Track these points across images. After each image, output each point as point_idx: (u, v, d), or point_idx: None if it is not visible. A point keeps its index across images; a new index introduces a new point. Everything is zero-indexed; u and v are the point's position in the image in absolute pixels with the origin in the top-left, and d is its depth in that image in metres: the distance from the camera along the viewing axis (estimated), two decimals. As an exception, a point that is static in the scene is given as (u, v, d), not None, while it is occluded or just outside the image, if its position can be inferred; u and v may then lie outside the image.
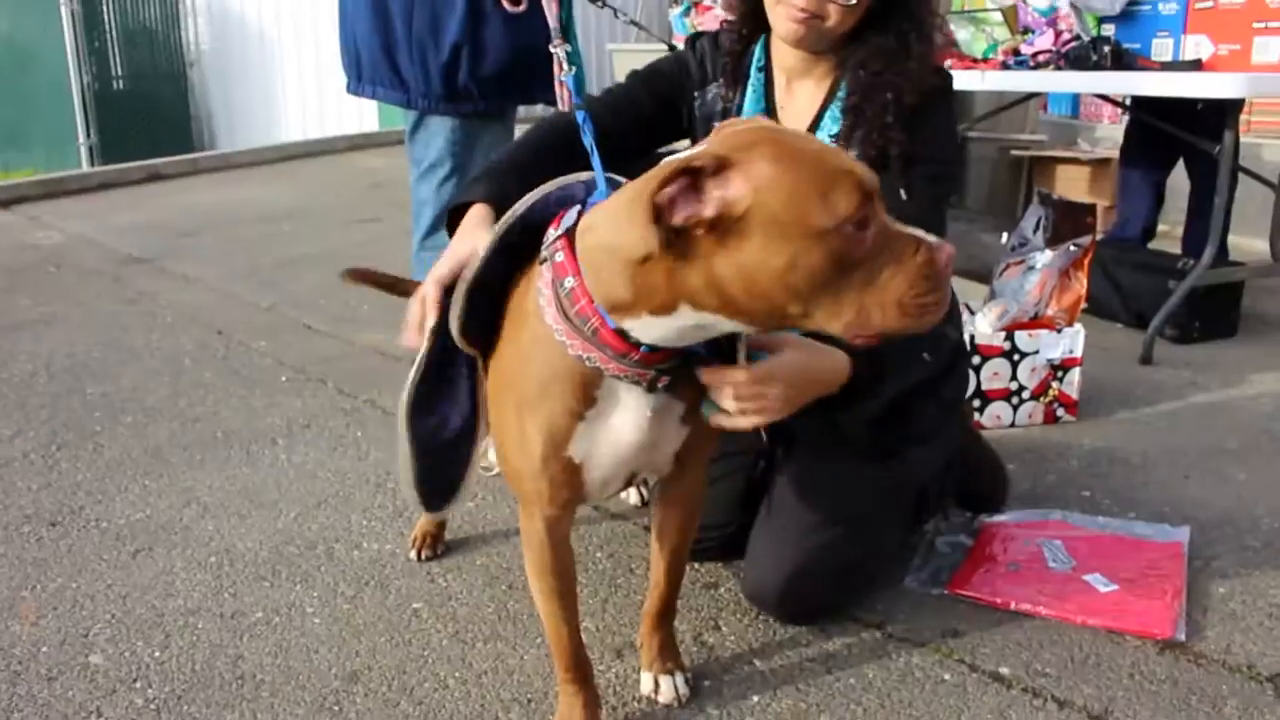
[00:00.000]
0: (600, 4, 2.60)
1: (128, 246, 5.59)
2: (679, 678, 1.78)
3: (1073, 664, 1.86)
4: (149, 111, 10.91)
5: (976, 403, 2.93)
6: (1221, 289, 3.76)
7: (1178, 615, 1.97)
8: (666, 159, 1.24)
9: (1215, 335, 3.78)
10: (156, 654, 1.91)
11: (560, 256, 1.36)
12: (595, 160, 1.55)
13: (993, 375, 2.91)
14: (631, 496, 2.50)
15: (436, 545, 2.27)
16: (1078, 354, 2.97)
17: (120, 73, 10.87)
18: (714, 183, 1.20)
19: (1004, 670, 1.85)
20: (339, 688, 1.81)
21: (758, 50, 1.95)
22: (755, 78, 1.96)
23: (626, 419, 1.45)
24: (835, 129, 1.86)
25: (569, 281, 1.35)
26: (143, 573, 2.20)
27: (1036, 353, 2.94)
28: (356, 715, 1.74)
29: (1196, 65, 3.52)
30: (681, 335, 1.34)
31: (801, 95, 1.92)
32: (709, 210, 1.19)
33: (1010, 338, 2.91)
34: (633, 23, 2.53)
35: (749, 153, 1.21)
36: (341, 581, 2.17)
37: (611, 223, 1.31)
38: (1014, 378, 2.94)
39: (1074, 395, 3.00)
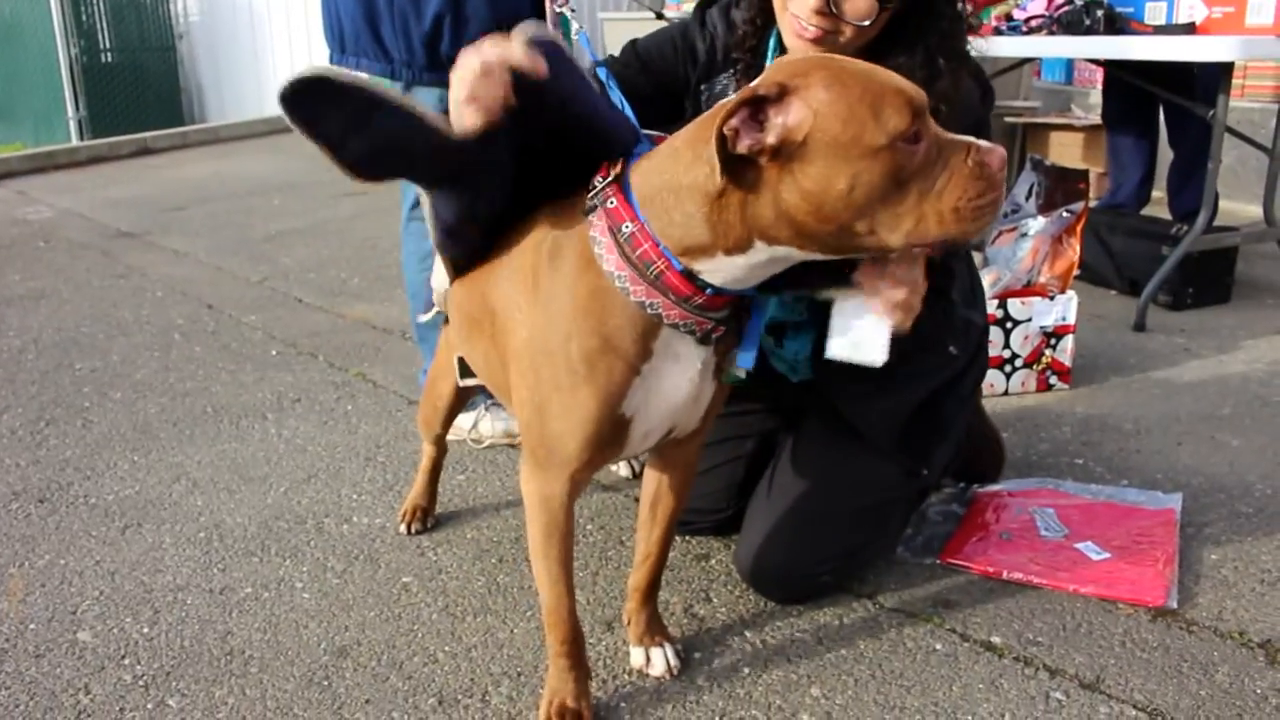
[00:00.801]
0: None
1: (117, 221, 5.56)
2: (669, 650, 1.78)
3: (1064, 632, 1.86)
4: (138, 85, 10.80)
5: (969, 371, 2.91)
6: (1215, 255, 3.74)
7: (1170, 583, 1.97)
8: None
9: (1209, 301, 3.76)
10: (145, 630, 1.91)
11: (614, 202, 1.38)
12: (629, 112, 1.57)
13: (986, 343, 2.90)
14: (622, 469, 2.49)
15: (426, 518, 2.26)
16: (1071, 321, 2.96)
17: (109, 46, 10.75)
18: (775, 110, 1.23)
19: (996, 639, 1.84)
20: (328, 662, 1.81)
21: (771, 40, 1.85)
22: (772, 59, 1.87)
23: (680, 371, 1.45)
24: None
25: (627, 226, 1.36)
26: (131, 549, 2.19)
27: (1029, 320, 2.92)
28: (345, 690, 1.73)
29: (1190, 29, 3.48)
30: (752, 273, 1.36)
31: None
32: (772, 137, 1.23)
33: (1003, 305, 2.90)
34: None
35: (806, 79, 1.24)
36: (331, 556, 2.16)
37: (676, 162, 1.33)
38: (1007, 345, 2.92)
39: (1067, 363, 2.99)
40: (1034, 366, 2.96)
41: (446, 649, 1.84)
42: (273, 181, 6.62)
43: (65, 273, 4.55)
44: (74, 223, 5.61)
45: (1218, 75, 3.39)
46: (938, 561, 2.08)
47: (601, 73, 1.69)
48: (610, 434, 1.47)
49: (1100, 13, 3.69)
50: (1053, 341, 2.96)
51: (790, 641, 1.85)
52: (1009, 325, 2.91)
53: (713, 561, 2.11)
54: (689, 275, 1.35)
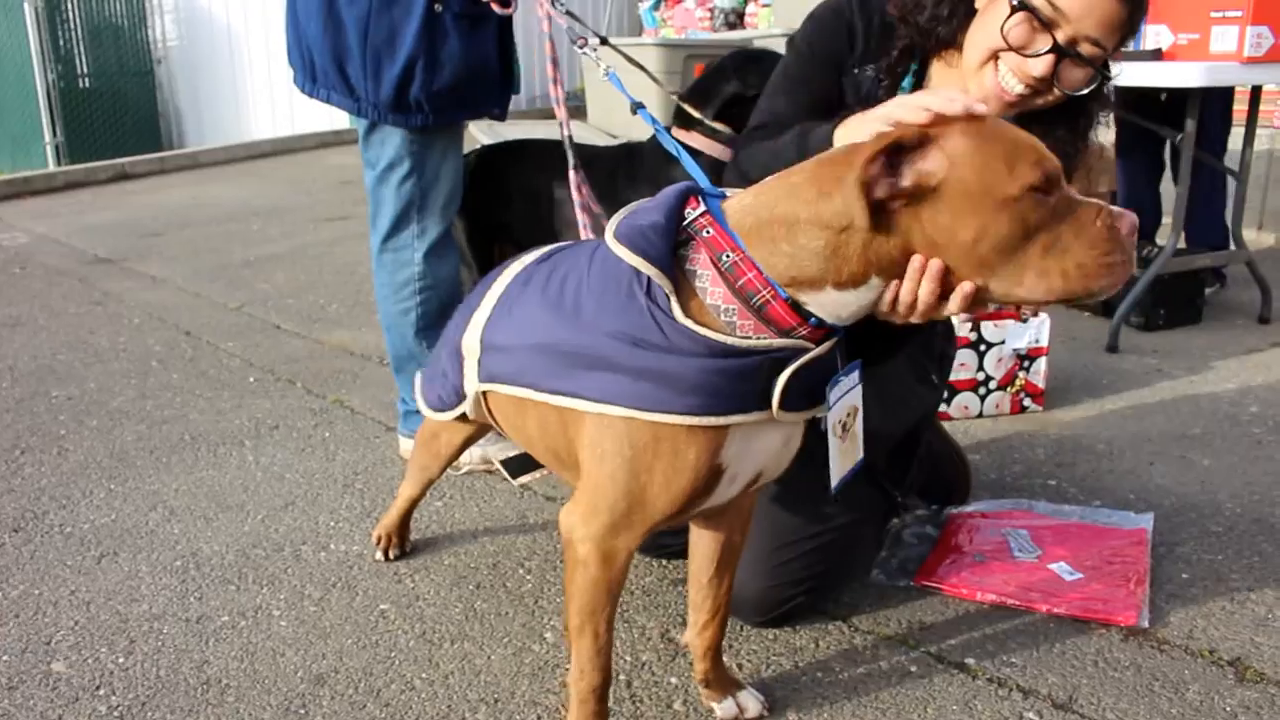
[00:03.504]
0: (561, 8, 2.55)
1: (95, 247, 5.54)
2: (750, 690, 1.75)
3: (1038, 653, 1.88)
4: (116, 110, 10.81)
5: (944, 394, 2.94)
6: (1185, 276, 3.79)
7: (1141, 602, 1.99)
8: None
9: (1180, 322, 3.81)
10: (120, 660, 1.90)
11: (710, 232, 1.36)
12: (689, 162, 1.61)
13: (960, 366, 2.93)
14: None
15: (403, 544, 2.26)
16: (1044, 343, 2.99)
17: (86, 71, 10.76)
18: (913, 156, 1.26)
19: (969, 661, 1.86)
20: (305, 691, 1.80)
21: (909, 78, 1.90)
22: (907, 86, 1.90)
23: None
24: None
25: (728, 255, 1.34)
26: (107, 578, 2.19)
27: (1003, 343, 2.95)
28: (323, 718, 1.73)
29: (1157, 55, 3.54)
30: (861, 308, 1.35)
31: None
32: (907, 182, 1.26)
33: (976, 328, 2.93)
34: (602, 40, 2.49)
35: (945, 128, 1.28)
36: (308, 584, 2.16)
37: (793, 197, 1.33)
38: (981, 368, 2.95)
39: (1040, 385, 3.02)
40: (1008, 389, 2.99)
41: (424, 676, 1.84)
42: (252, 207, 6.62)
43: (41, 299, 4.54)
44: (50, 249, 5.59)
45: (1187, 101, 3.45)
46: (912, 583, 2.10)
47: (645, 116, 1.71)
48: (705, 484, 1.41)
49: (1070, 38, 3.74)
50: (1026, 364, 2.99)
51: (766, 664, 1.86)
52: (982, 348, 2.94)
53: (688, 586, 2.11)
54: (794, 305, 1.33)
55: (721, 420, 1.35)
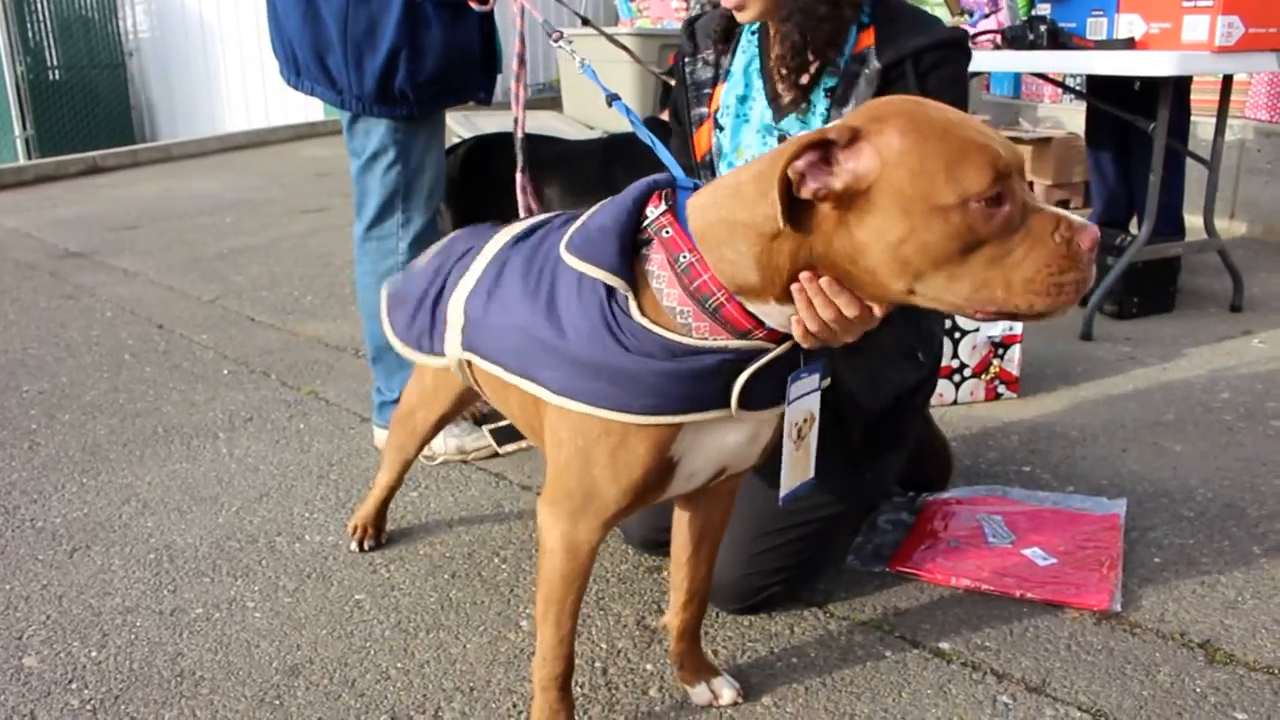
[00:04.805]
0: None
1: (66, 241, 5.49)
2: (726, 677, 1.75)
3: (1012, 637, 1.89)
4: (87, 102, 10.71)
5: (919, 381, 2.95)
6: (1159, 265, 3.81)
7: (1114, 587, 2.01)
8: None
9: (1153, 310, 3.84)
10: (93, 654, 1.89)
11: (669, 232, 1.33)
12: (664, 153, 1.58)
13: (935, 354, 2.94)
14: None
15: (379, 535, 2.26)
16: (1018, 331, 3.00)
17: (56, 63, 10.65)
18: (845, 154, 1.18)
19: (944, 645, 1.87)
20: (280, 682, 1.80)
21: (752, 40, 1.95)
22: (748, 42, 1.96)
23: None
24: (833, 83, 1.87)
25: (685, 256, 1.31)
26: (79, 571, 2.17)
27: (977, 330, 2.97)
28: (298, 709, 1.72)
29: (1129, 44, 3.56)
30: None
31: None
32: (838, 183, 1.17)
33: (951, 316, 2.94)
34: (584, 20, 2.50)
35: (881, 124, 1.18)
36: (283, 575, 2.15)
37: (736, 197, 1.28)
38: (955, 355, 2.97)
39: (1015, 372, 3.03)
40: (982, 376, 3.01)
41: (399, 666, 1.84)
42: (225, 199, 6.57)
43: (11, 294, 4.49)
44: (21, 243, 5.53)
45: (1158, 90, 3.47)
46: (887, 569, 2.11)
47: (620, 106, 1.71)
48: (656, 478, 1.41)
49: (1044, 28, 3.76)
50: (1000, 351, 3.00)
51: (741, 651, 1.87)
52: (957, 335, 2.95)
53: (664, 574, 2.12)
54: (747, 309, 1.31)
55: (674, 419, 1.35)
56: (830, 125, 1.21)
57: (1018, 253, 1.16)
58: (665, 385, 1.32)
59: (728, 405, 1.34)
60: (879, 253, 1.17)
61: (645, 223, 1.36)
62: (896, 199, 1.15)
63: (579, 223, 1.42)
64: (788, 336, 1.33)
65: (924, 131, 1.16)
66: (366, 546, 2.23)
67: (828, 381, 1.46)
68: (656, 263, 1.33)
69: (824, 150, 1.18)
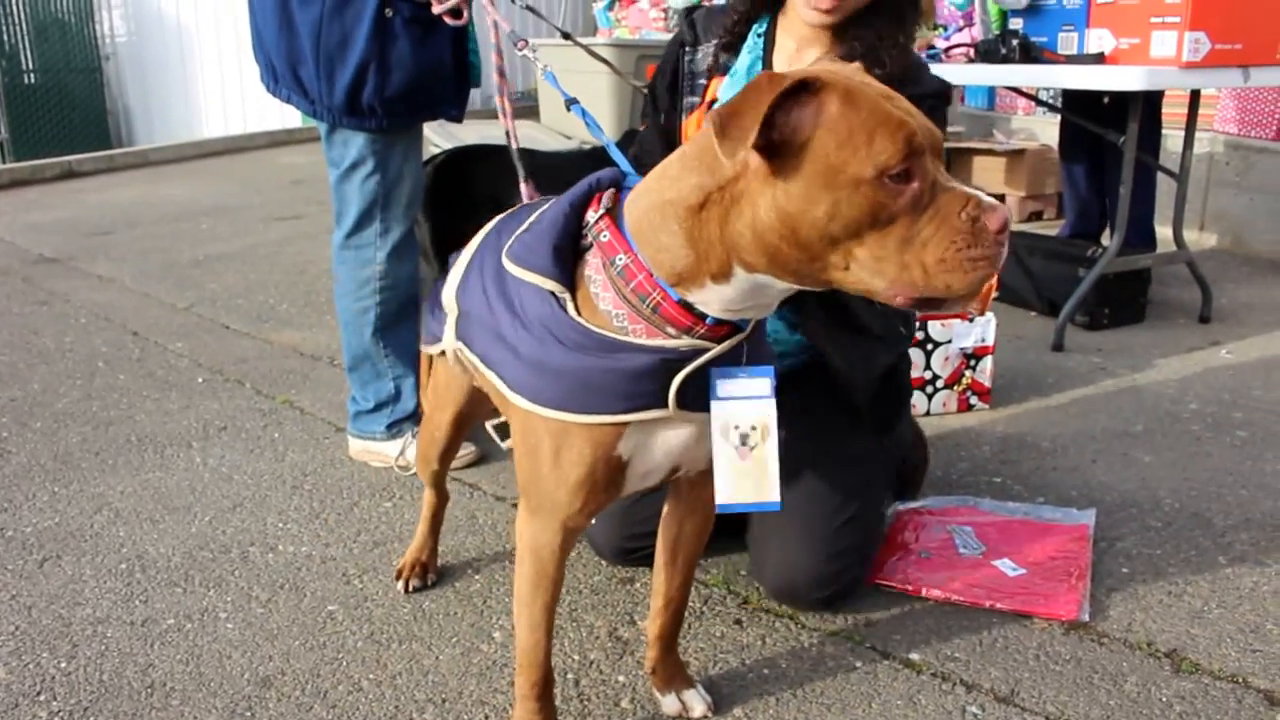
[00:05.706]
0: (522, 5, 2.57)
1: (40, 246, 5.45)
2: (699, 690, 1.76)
3: (981, 647, 1.91)
4: (63, 107, 10.62)
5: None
6: (1129, 276, 3.86)
7: (1082, 597, 2.03)
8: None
9: (1124, 321, 3.88)
10: (63, 665, 1.88)
11: (606, 236, 1.34)
12: (615, 151, 1.59)
13: (908, 365, 2.96)
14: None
15: (426, 574, 2.14)
16: (990, 342, 3.03)
17: (32, 66, 10.56)
18: (797, 104, 1.18)
19: (914, 656, 1.89)
20: (251, 693, 1.79)
21: (764, 22, 1.99)
22: (754, 42, 1.98)
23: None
24: None
25: (620, 259, 1.33)
26: (50, 581, 2.16)
27: (949, 342, 2.99)
28: (269, 721, 1.72)
29: (1099, 59, 3.60)
30: (743, 299, 1.31)
31: (809, 60, 1.94)
32: (787, 127, 1.17)
33: (924, 327, 2.96)
34: (564, 35, 2.51)
35: (826, 88, 1.19)
36: (256, 585, 2.14)
37: (663, 178, 1.31)
38: (928, 367, 2.99)
39: (987, 383, 3.06)
40: (954, 387, 3.03)
41: (371, 677, 1.84)
42: (202, 205, 6.54)
43: (-16, 300, 4.46)
44: (-6, 248, 5.49)
45: (1128, 103, 3.51)
46: (859, 580, 2.12)
47: (577, 110, 1.73)
48: (605, 478, 1.42)
49: (1016, 42, 3.80)
50: (972, 362, 3.03)
51: (713, 662, 1.88)
52: (930, 347, 2.98)
53: (637, 585, 2.12)
54: (686, 305, 1.32)
55: (611, 419, 1.36)
56: (794, 70, 1.22)
57: (925, 231, 1.17)
58: (606, 383, 1.34)
59: (667, 404, 1.36)
60: (807, 225, 1.18)
61: (585, 228, 1.39)
62: (823, 166, 1.17)
63: (522, 228, 1.45)
64: (729, 334, 1.36)
65: (857, 102, 1.18)
66: (411, 588, 2.11)
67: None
68: (593, 266, 1.36)
69: (790, 96, 1.17)
